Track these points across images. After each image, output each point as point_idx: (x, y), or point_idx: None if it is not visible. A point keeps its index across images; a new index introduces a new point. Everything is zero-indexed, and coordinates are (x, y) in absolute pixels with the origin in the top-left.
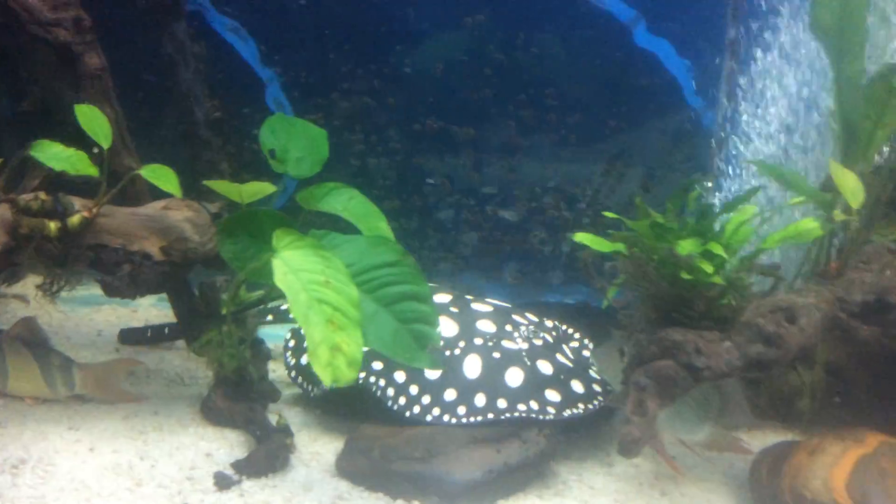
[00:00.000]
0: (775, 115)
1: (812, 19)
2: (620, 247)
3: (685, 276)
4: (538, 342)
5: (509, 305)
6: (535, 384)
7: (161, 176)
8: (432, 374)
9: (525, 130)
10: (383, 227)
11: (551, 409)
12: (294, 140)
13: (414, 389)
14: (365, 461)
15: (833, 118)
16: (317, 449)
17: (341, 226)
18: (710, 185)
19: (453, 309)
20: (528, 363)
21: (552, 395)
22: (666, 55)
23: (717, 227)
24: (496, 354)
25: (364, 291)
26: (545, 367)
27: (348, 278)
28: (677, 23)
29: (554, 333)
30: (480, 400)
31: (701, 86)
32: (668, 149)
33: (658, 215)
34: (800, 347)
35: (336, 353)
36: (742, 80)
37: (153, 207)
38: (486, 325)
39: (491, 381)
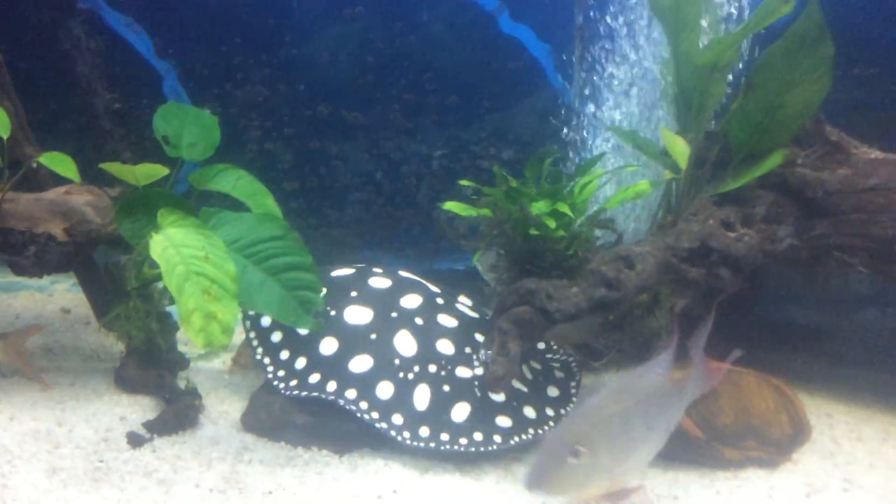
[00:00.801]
0: (621, 87)
1: None
2: (486, 212)
3: (534, 232)
4: None
5: (477, 316)
6: (483, 415)
7: (59, 163)
8: (384, 394)
9: (409, 113)
10: (270, 203)
11: (497, 438)
12: (187, 126)
13: (364, 405)
14: (267, 415)
15: (670, 90)
16: (225, 409)
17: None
18: (568, 153)
19: (418, 321)
20: (479, 394)
21: (503, 421)
22: (528, 40)
23: (569, 189)
24: (446, 388)
25: (253, 263)
26: (497, 395)
27: (227, 255)
28: (536, 10)
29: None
30: (424, 432)
31: (560, 67)
32: (537, 124)
33: (514, 181)
34: (637, 289)
35: (210, 321)
36: (592, 60)
37: (56, 193)
38: (446, 346)
39: (436, 415)
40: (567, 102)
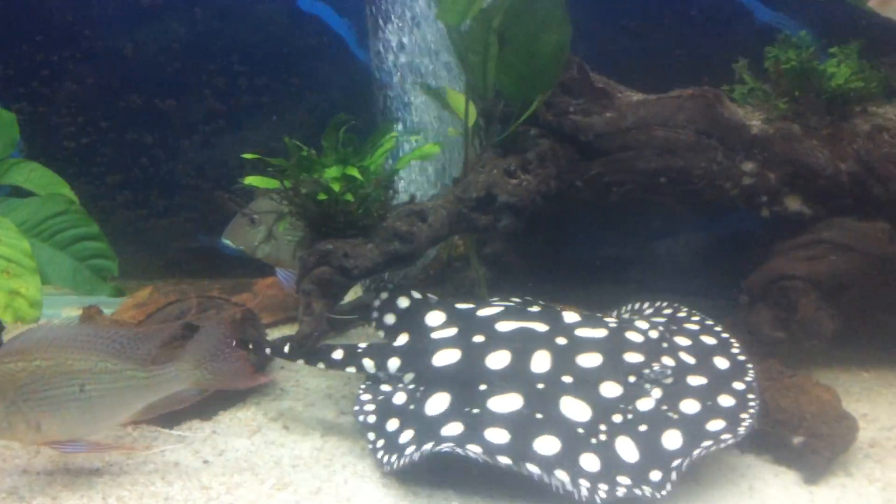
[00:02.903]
0: (414, 57)
1: None
2: (288, 182)
3: (322, 196)
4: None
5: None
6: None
7: None
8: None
9: (222, 97)
10: (66, 192)
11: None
12: None
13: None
14: None
15: (453, 57)
16: None
17: None
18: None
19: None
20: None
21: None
22: (328, 16)
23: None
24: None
25: (40, 241)
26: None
27: (19, 234)
28: None
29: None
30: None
31: (361, 40)
32: (348, 97)
33: (306, 150)
34: (430, 240)
35: (15, 297)
36: (386, 32)
37: None
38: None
39: None
40: (371, 74)
